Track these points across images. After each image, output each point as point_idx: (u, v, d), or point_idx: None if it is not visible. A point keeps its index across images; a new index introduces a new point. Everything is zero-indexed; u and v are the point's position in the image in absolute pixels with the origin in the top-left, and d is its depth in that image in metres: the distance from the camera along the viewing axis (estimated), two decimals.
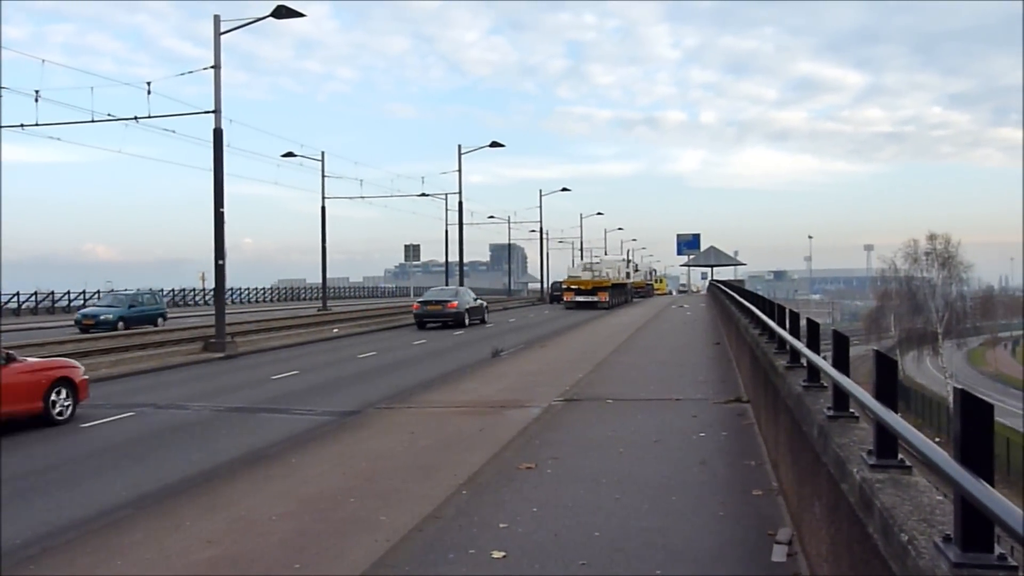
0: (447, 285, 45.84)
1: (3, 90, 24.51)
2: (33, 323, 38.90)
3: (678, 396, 12.98)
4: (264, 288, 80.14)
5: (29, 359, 12.78)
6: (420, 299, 35.27)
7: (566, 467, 8.42)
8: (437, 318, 33.25)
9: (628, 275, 60.18)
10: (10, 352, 12.28)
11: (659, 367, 17.37)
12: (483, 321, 35.70)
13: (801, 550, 5.57)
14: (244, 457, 10.01)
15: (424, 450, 9.77)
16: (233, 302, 65.75)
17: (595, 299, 48.60)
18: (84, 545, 6.75)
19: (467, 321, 33.58)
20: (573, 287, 50.36)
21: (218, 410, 13.61)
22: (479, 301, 36.38)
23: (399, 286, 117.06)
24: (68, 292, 55.48)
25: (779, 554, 5.67)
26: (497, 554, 5.77)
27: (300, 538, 6.51)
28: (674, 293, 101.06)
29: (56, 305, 53.09)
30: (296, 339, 27.78)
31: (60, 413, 12.35)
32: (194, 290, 67.95)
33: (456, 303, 33.48)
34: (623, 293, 54.42)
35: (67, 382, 12.60)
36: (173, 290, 65.91)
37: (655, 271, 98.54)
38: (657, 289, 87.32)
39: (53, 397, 12.29)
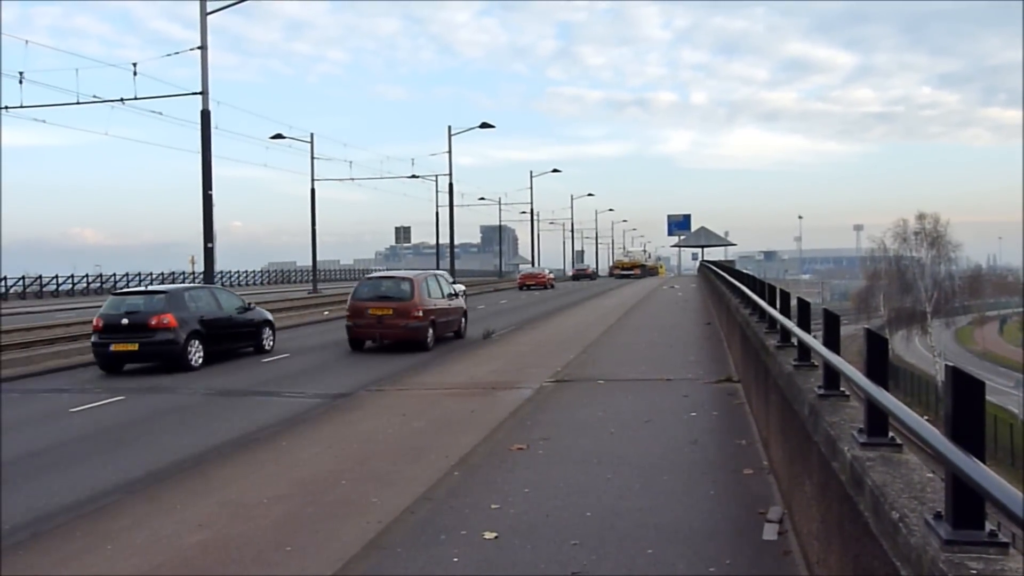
0: (438, 267, 47.80)
1: None
2: (22, 307, 38.72)
3: (669, 376, 13.00)
4: (254, 271, 79.97)
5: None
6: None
7: (557, 448, 8.43)
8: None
9: (645, 260, 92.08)
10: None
11: (650, 347, 17.39)
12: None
13: (792, 528, 5.59)
14: (235, 440, 9.98)
15: (416, 432, 9.76)
16: (223, 285, 65.47)
17: (632, 273, 78.00)
18: (74, 530, 6.72)
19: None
20: (619, 267, 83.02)
21: (208, 393, 13.56)
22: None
23: (390, 268, 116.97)
24: (56, 276, 55.25)
25: (770, 532, 5.69)
26: (489, 535, 5.77)
27: (291, 521, 6.50)
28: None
29: (44, 290, 52.85)
30: (286, 322, 27.63)
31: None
32: (183, 273, 67.68)
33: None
34: (644, 271, 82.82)
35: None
36: (162, 273, 65.67)
37: (660, 258, 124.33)
38: (659, 272, 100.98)
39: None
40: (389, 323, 18.32)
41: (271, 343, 19.04)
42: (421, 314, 18.38)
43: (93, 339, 16.37)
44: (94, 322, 16.54)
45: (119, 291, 19.76)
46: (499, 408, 10.86)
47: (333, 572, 5.35)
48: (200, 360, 16.36)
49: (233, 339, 17.92)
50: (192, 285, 20.10)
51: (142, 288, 19.81)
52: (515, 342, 19.78)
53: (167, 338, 15.78)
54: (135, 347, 15.90)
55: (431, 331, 18.72)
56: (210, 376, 15.39)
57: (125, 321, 16.00)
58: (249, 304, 18.92)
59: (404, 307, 18.31)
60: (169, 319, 15.88)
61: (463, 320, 21.25)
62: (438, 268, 43.32)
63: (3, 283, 50.17)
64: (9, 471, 8.78)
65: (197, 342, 16.33)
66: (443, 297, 19.91)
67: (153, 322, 15.84)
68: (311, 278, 52.97)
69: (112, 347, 15.94)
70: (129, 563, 5.79)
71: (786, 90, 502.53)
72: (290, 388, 13.83)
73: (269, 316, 19.48)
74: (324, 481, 7.68)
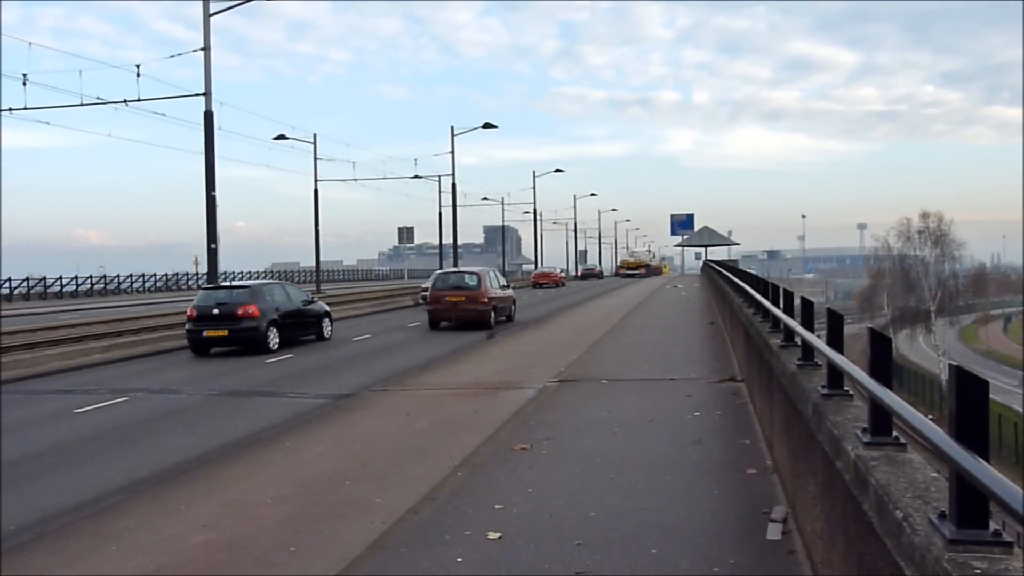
0: (441, 267, 48.94)
1: None
2: (26, 308, 38.81)
3: (672, 376, 12.99)
4: (258, 272, 79.99)
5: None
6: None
7: (561, 448, 8.43)
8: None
9: (650, 260, 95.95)
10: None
11: (653, 347, 17.38)
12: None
13: (796, 528, 5.58)
14: (239, 441, 9.99)
15: (419, 432, 9.77)
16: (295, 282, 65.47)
17: (637, 272, 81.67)
18: (78, 531, 6.73)
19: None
20: (625, 267, 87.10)
21: (212, 394, 13.58)
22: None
23: (393, 268, 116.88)
24: (60, 277, 55.34)
25: (774, 532, 5.68)
26: (493, 535, 5.77)
27: (295, 521, 6.50)
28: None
29: (48, 291, 52.93)
30: None
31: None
32: (187, 274, 67.83)
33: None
34: (649, 270, 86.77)
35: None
36: (166, 275, 65.78)
37: (664, 258, 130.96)
38: (663, 271, 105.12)
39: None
40: (462, 307, 23.35)
41: (329, 331, 21.49)
42: (487, 300, 23.40)
43: (187, 326, 19.05)
44: (188, 312, 19.35)
45: (208, 286, 22.22)
46: (502, 408, 10.86)
47: (337, 572, 5.35)
48: (277, 344, 18.96)
49: (301, 328, 20.54)
50: (269, 281, 24.07)
51: (228, 284, 22.36)
52: (518, 342, 19.78)
53: (251, 326, 18.53)
54: (225, 333, 18.58)
55: (493, 314, 23.66)
56: (214, 376, 15.41)
57: (216, 311, 18.67)
58: (312, 298, 21.79)
59: (473, 295, 23.33)
60: (253, 310, 18.65)
61: (512, 307, 26.19)
62: (441, 268, 44.17)
63: (8, 284, 50.27)
64: (14, 472, 8.79)
65: (275, 329, 19.02)
66: (499, 288, 24.94)
67: (240, 312, 18.55)
68: (314, 279, 52.94)
69: (205, 333, 18.67)
70: (133, 563, 5.79)
71: (789, 89, 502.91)
72: (294, 388, 13.84)
73: (327, 308, 21.99)
74: (328, 481, 7.68)
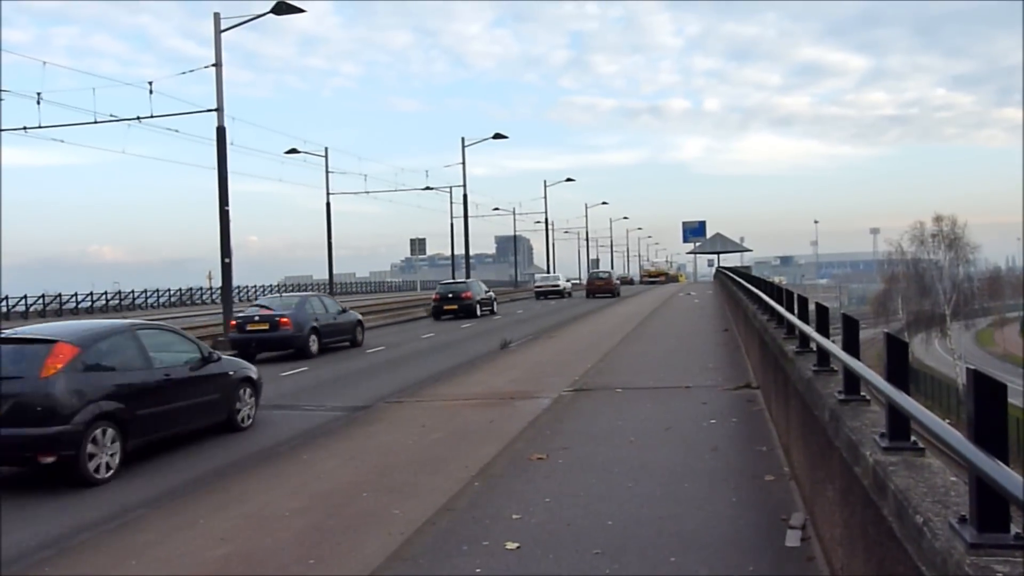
0: (454, 278, 50.85)
1: (4, 93, 24.51)
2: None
3: (688, 384, 12.96)
4: (271, 285, 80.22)
5: None
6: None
7: (577, 457, 8.42)
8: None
9: (668, 269, 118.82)
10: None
11: (668, 355, 17.35)
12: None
13: (815, 534, 5.57)
14: (256, 454, 10.03)
15: (435, 443, 9.78)
16: (240, 300, 65.76)
17: (657, 279, 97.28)
18: (98, 546, 6.77)
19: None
20: (647, 275, 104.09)
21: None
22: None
23: (406, 280, 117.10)
24: (75, 294, 55.66)
25: (793, 539, 5.67)
26: (511, 545, 5.78)
27: (314, 533, 6.52)
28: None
29: (64, 307, 53.24)
30: None
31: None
32: (201, 289, 68.10)
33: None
34: (667, 278, 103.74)
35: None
36: (180, 290, 66.09)
37: (679, 266, 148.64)
38: (679, 279, 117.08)
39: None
40: (602, 287, 51.21)
41: (495, 309, 36.62)
42: (613, 283, 52.72)
43: (433, 304, 34.53)
44: (433, 296, 35.34)
45: (444, 282, 38.21)
46: (518, 418, 10.87)
47: None
48: (479, 314, 33.80)
49: (485, 306, 35.40)
50: (473, 280, 39.36)
51: (455, 280, 38.86)
52: (532, 351, 19.77)
53: (470, 303, 33.70)
54: (456, 307, 33.67)
55: (616, 290, 51.36)
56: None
57: (450, 295, 34.11)
58: (489, 290, 37.97)
59: (608, 280, 53.02)
60: (469, 295, 34.07)
61: (620, 288, 54.58)
62: (453, 279, 45.41)
63: (24, 301, 50.59)
64: (35, 485, 8.84)
65: (479, 306, 34.23)
66: (616, 279, 56.47)
67: (464, 295, 33.96)
68: (328, 291, 53.12)
69: (444, 307, 33.77)
70: None
71: (799, 95, 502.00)
72: (309, 401, 13.88)
73: (495, 296, 38.03)
74: (345, 493, 7.70)
